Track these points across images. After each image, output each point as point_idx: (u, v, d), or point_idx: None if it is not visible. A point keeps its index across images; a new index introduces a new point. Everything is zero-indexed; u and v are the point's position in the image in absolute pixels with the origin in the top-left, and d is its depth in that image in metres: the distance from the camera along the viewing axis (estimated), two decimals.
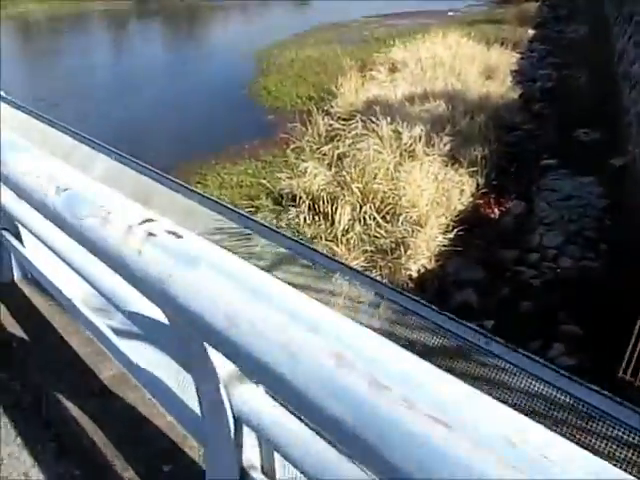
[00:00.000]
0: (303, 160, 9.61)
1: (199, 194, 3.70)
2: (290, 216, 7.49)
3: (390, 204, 6.88)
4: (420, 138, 8.76)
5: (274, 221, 7.33)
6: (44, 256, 2.02)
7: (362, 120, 9.76)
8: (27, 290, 2.43)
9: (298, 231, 7.08)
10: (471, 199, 7.25)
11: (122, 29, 32.90)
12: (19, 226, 2.14)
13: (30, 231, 1.98)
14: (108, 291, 1.54)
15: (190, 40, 26.65)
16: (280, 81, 14.82)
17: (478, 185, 7.47)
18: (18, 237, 2.21)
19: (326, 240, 6.72)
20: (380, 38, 19.42)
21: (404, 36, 18.98)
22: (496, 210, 7.06)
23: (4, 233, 2.28)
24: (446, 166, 7.90)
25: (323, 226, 7.11)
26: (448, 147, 8.39)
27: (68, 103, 13.41)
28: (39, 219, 1.66)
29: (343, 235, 6.77)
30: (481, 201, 7.22)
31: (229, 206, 3.61)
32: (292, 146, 10.29)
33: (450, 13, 24.22)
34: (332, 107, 11.46)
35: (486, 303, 5.72)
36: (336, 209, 7.15)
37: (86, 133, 4.13)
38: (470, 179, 7.55)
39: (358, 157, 8.92)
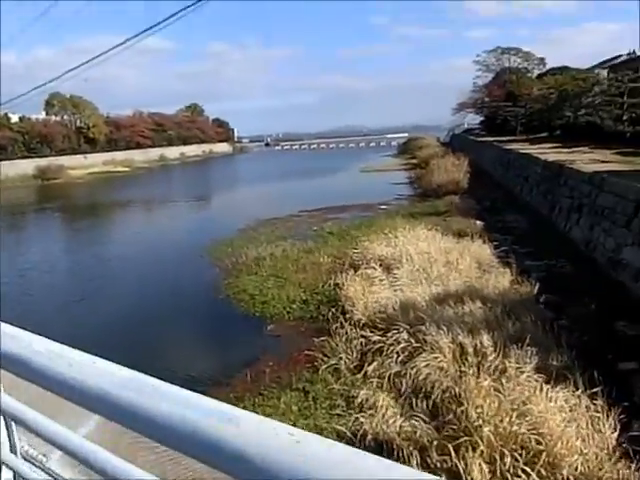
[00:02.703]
0: (348, 385, 7.99)
1: None
2: None
3: (542, 451, 5.35)
4: (497, 350, 7.63)
5: None
6: None
7: (408, 331, 8.57)
8: None
9: None
10: (618, 431, 5.95)
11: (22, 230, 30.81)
12: None
13: None
14: None
15: (114, 238, 25.06)
16: (260, 282, 13.54)
17: (610, 407, 6.26)
18: None
19: None
20: (335, 233, 19.42)
21: (359, 229, 19.21)
22: None
23: None
24: (551, 385, 6.71)
25: None
26: (535, 360, 7.30)
27: None
28: None
29: None
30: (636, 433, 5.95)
31: None
32: (324, 366, 8.68)
33: (383, 206, 25.59)
34: (348, 313, 10.22)
35: None
36: (465, 463, 5.44)
37: None
38: (588, 399, 6.36)
39: (421, 378, 7.55)
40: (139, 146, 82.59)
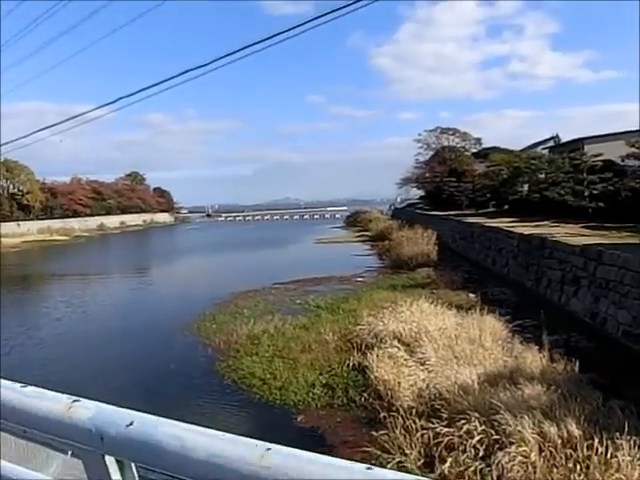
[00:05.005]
0: None
1: None
2: None
3: None
4: (592, 440, 6.91)
5: None
6: None
7: (479, 420, 7.70)
8: None
9: None
10: None
11: None
12: None
13: None
14: None
15: (74, 312, 22.62)
16: (267, 364, 12.26)
17: None
18: None
19: None
20: (323, 307, 18.47)
21: (347, 302, 18.46)
22: None
23: None
24: None
25: None
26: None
27: None
28: None
29: None
30: None
31: None
32: (388, 465, 7.57)
33: (359, 279, 25.07)
34: (393, 400, 9.23)
35: None
36: None
37: None
38: None
39: (509, 475, 6.68)
40: (77, 214, 78.96)
